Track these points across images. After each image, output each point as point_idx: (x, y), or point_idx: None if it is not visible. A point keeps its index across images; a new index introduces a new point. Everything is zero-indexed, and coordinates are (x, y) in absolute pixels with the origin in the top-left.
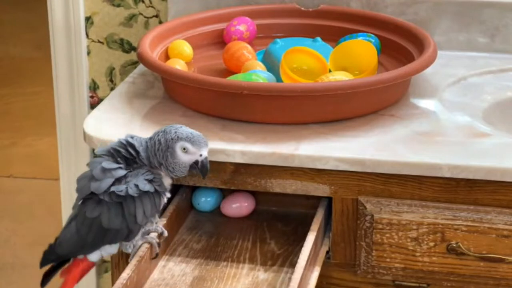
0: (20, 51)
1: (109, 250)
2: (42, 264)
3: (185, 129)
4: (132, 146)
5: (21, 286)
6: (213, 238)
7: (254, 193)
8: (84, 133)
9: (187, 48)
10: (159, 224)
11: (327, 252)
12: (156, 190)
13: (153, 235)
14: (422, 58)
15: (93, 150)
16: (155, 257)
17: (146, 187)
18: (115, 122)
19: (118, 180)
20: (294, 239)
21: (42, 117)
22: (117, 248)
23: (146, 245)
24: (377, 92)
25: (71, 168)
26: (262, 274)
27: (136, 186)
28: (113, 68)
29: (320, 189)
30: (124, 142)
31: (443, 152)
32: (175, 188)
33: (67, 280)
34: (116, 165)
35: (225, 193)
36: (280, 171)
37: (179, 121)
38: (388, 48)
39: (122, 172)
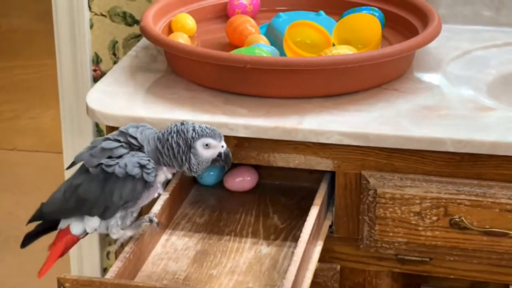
0: (24, 23)
1: (90, 224)
2: (30, 221)
3: (199, 125)
4: (135, 139)
5: (25, 258)
6: (216, 212)
7: (257, 167)
8: (87, 106)
9: (190, 22)
10: (151, 214)
11: (330, 226)
12: (142, 177)
13: (147, 218)
14: (427, 31)
15: (96, 123)
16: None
17: (135, 170)
18: (118, 96)
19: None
20: (297, 213)
21: (45, 90)
22: (99, 223)
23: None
24: (380, 66)
25: (74, 141)
26: (265, 248)
27: (125, 166)
28: (116, 42)
29: (323, 163)
30: (125, 131)
31: (447, 126)
32: None
33: (51, 252)
34: (116, 144)
35: None
36: (283, 145)
37: (182, 94)
38: (392, 22)
39: (123, 151)
